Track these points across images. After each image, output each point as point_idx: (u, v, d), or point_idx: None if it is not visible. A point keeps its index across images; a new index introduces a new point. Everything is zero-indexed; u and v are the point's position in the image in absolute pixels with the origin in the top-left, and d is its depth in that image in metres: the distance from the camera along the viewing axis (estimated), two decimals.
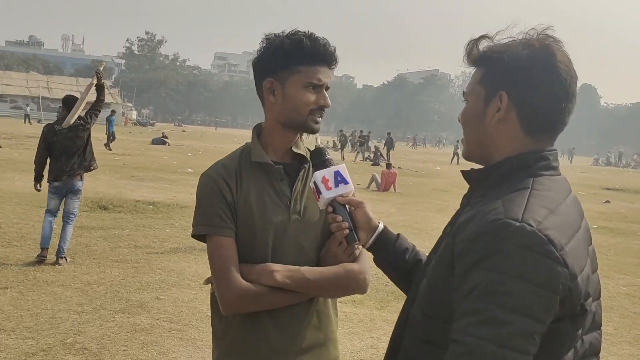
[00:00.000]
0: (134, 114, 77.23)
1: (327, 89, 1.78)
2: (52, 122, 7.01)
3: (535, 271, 1.12)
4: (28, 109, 49.62)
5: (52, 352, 4.30)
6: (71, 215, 6.83)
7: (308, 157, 1.83)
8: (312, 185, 1.67)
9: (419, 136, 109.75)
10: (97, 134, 6.92)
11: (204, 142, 38.18)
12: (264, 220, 1.73)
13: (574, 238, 1.21)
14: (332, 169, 1.66)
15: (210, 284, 1.82)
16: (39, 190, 6.92)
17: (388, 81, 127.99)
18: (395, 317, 1.48)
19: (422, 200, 15.33)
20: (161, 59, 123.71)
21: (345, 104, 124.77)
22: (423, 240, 9.25)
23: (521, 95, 1.30)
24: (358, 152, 32.59)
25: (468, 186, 1.44)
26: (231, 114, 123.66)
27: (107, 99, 69.59)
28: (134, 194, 11.85)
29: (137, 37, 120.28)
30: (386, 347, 1.47)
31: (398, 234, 1.69)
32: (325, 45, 1.74)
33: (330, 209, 1.63)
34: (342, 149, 33.51)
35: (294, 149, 1.83)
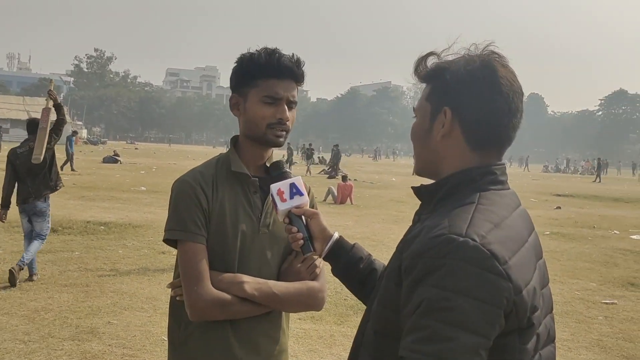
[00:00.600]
0: (84, 133, 75.49)
1: (291, 104, 1.81)
2: (15, 147, 7.04)
3: (479, 286, 1.11)
4: None
5: None
6: (42, 236, 6.90)
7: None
8: (270, 198, 1.72)
9: (372, 148, 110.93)
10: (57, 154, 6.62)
11: (158, 160, 37.58)
12: (235, 229, 1.77)
13: (518, 252, 1.20)
14: (288, 181, 1.69)
15: (172, 289, 1.82)
16: (3, 221, 6.90)
17: (342, 94, 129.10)
18: (355, 332, 1.45)
19: (378, 212, 15.38)
20: (111, 76, 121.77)
21: (300, 117, 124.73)
22: (381, 252, 9.25)
23: (463, 110, 1.31)
24: (308, 165, 32.32)
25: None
26: (185, 130, 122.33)
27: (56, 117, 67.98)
28: (85, 215, 11.50)
29: (86, 55, 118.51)
30: None
31: (354, 244, 1.70)
32: (282, 58, 1.78)
33: (287, 220, 1.67)
34: (289, 162, 33.24)
35: (268, 164, 1.87)
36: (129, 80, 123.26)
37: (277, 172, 1.77)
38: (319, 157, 42.19)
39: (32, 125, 6.92)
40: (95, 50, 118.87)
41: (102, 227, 10.30)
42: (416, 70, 1.40)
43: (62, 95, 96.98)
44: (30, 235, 6.88)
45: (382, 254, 9.07)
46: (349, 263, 1.65)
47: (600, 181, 40.40)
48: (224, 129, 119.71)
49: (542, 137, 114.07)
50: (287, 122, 1.80)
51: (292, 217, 1.66)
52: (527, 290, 1.18)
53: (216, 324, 1.75)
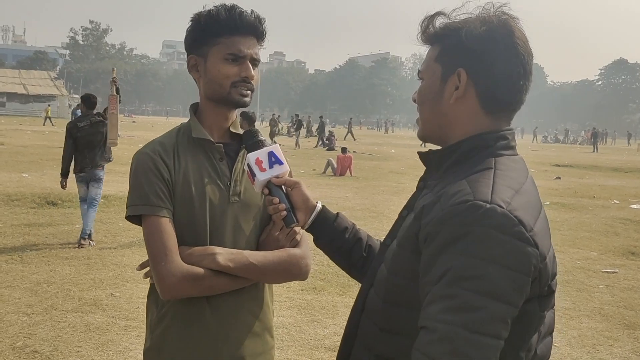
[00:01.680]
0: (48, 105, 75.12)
1: (255, 62, 1.71)
2: (74, 120, 7.71)
3: (508, 253, 1.08)
4: None
5: (1, 358, 4.08)
6: (94, 201, 7.55)
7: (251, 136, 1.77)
8: (245, 168, 1.63)
9: (371, 120, 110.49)
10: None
11: (156, 133, 37.29)
12: (202, 200, 1.66)
13: (539, 218, 1.18)
14: (266, 149, 1.61)
15: (145, 271, 1.74)
16: (64, 187, 7.70)
17: (340, 65, 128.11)
18: None
19: (378, 183, 15.36)
20: (107, 48, 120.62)
21: (298, 89, 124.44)
22: (381, 223, 9.25)
23: (480, 72, 1.26)
24: (297, 138, 30.84)
25: (423, 168, 1.40)
26: (183, 102, 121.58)
27: (52, 90, 67.23)
28: None
29: (81, 27, 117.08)
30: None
31: (337, 213, 1.64)
32: (244, 14, 1.67)
33: (266, 191, 1.59)
34: (273, 134, 32.56)
35: (232, 129, 1.78)
36: (125, 52, 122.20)
37: (252, 140, 1.66)
38: (329, 132, 42.00)
39: (89, 101, 7.66)
40: (91, 22, 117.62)
41: (102, 200, 10.24)
42: (424, 31, 1.34)
43: (57, 69, 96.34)
44: (86, 199, 7.50)
45: (382, 225, 9.09)
46: (333, 233, 1.59)
47: (596, 151, 40.40)
48: None
49: (541, 107, 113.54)
50: (252, 81, 1.70)
51: (271, 187, 1.58)
52: (549, 257, 1.17)
53: (192, 301, 1.66)
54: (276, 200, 1.56)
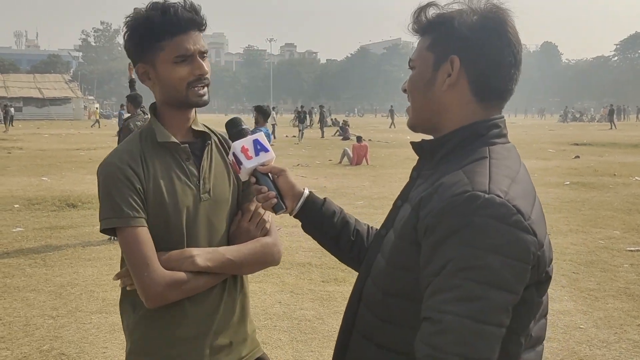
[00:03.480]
0: (96, 107, 75.74)
1: (203, 54, 1.66)
2: (130, 120, 7.87)
3: (508, 243, 1.10)
4: (12, 110, 47.51)
5: None
6: None
7: (210, 133, 1.79)
8: (231, 157, 1.64)
9: (385, 107, 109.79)
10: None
11: None
12: (176, 203, 1.66)
13: (535, 206, 1.20)
14: (250, 137, 1.62)
15: (120, 280, 1.72)
16: None
17: (351, 54, 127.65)
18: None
19: (394, 171, 15.29)
20: (119, 48, 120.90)
21: (310, 80, 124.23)
22: None
23: (472, 59, 1.27)
24: (301, 129, 29.53)
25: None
26: None
27: (67, 93, 67.78)
28: None
29: (93, 28, 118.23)
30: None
31: (324, 198, 1.65)
32: (179, 11, 1.60)
33: (253, 179, 1.61)
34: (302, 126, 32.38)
35: (194, 127, 1.76)
36: None
37: (236, 129, 1.66)
38: (331, 120, 41.88)
39: (136, 100, 7.94)
40: (102, 23, 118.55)
41: None
42: (416, 21, 1.35)
43: (71, 71, 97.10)
44: None
45: None
46: (321, 218, 1.61)
47: (614, 128, 39.92)
48: (234, 96, 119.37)
49: (557, 86, 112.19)
50: (207, 75, 1.67)
51: (258, 175, 1.60)
52: (545, 243, 1.19)
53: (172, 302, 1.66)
54: (264, 189, 1.58)
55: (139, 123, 7.74)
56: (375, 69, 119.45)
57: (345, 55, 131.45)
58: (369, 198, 10.83)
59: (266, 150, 1.61)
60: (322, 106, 34.51)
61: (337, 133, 31.20)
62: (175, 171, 1.68)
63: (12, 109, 46.63)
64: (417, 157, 1.42)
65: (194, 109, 1.75)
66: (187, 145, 1.72)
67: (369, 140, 23.27)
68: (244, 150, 1.59)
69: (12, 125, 40.08)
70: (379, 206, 9.80)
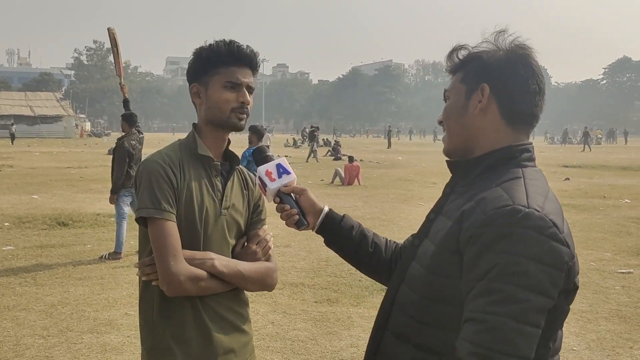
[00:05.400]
0: (87, 125, 75.61)
1: (250, 89, 1.92)
2: (126, 138, 7.85)
3: (546, 252, 1.21)
4: (13, 127, 47.54)
5: None
6: (126, 217, 7.83)
7: (239, 160, 2.03)
8: (257, 181, 1.83)
9: (376, 127, 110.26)
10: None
11: None
12: (201, 210, 1.86)
13: (564, 222, 1.32)
14: (274, 162, 1.80)
15: (141, 270, 1.86)
16: (113, 204, 7.87)
17: (343, 75, 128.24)
18: (373, 312, 1.55)
19: (386, 191, 15.33)
20: (112, 67, 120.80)
21: (303, 100, 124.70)
22: (392, 232, 9.23)
23: (500, 86, 1.42)
24: (313, 150, 29.11)
25: (431, 175, 1.53)
26: (188, 118, 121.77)
27: (59, 111, 67.48)
28: (94, 207, 11.52)
29: (85, 47, 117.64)
30: (366, 343, 1.55)
31: (344, 215, 1.80)
32: (240, 47, 1.90)
33: (277, 199, 1.77)
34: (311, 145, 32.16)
35: (227, 151, 2.00)
36: (129, 70, 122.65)
37: (262, 155, 1.85)
38: (323, 140, 42.01)
39: (131, 119, 8.01)
40: (95, 42, 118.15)
41: (112, 219, 10.28)
42: (450, 61, 1.52)
43: (63, 89, 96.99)
44: (125, 216, 7.74)
45: (393, 234, 9.05)
46: (341, 233, 1.76)
47: (589, 150, 41.05)
48: None
49: (547, 108, 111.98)
50: (248, 106, 1.90)
51: (282, 195, 1.76)
52: (575, 256, 1.31)
53: (187, 303, 1.84)
54: (287, 207, 1.74)
55: (133, 142, 7.79)
56: (366, 89, 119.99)
57: (337, 76, 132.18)
58: (361, 218, 10.84)
59: (288, 173, 1.78)
60: (312, 126, 34.59)
61: (329, 153, 31.27)
62: (205, 182, 1.90)
63: (13, 127, 46.72)
64: (422, 179, 1.50)
65: (229, 134, 1.97)
66: (219, 163, 1.94)
67: (361, 160, 23.34)
68: (267, 173, 1.77)
69: (12, 144, 40.08)
70: (372, 226, 9.77)
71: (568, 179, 18.89)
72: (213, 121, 1.91)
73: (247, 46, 1.93)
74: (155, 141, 31.08)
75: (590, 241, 8.91)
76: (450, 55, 1.51)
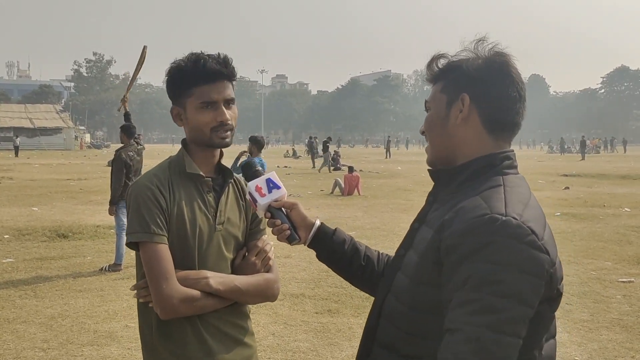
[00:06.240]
0: (87, 137, 75.74)
1: (229, 102, 1.86)
2: (124, 149, 7.86)
3: (524, 260, 1.20)
4: (17, 140, 47.63)
5: None
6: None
7: (233, 174, 2.00)
8: (248, 196, 1.81)
9: (375, 137, 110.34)
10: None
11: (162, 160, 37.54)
12: (193, 228, 1.83)
13: (546, 228, 1.31)
14: (264, 177, 1.77)
15: (137, 293, 1.86)
16: (114, 215, 7.86)
17: (342, 85, 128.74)
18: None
19: (386, 201, 15.33)
20: (111, 79, 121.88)
21: (301, 110, 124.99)
22: (392, 241, 9.22)
23: (481, 95, 1.41)
24: (327, 162, 28.84)
25: (430, 185, 1.54)
26: None
27: (59, 123, 67.73)
28: (94, 219, 11.51)
29: (85, 59, 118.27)
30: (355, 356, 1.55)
31: (335, 228, 1.78)
32: (207, 63, 1.81)
33: (268, 215, 1.75)
34: (312, 156, 32.11)
35: (219, 165, 1.97)
36: (128, 82, 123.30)
37: (251, 170, 1.81)
38: (334, 150, 42.10)
39: (129, 131, 7.97)
40: (94, 54, 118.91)
41: (112, 231, 10.27)
42: (429, 70, 1.51)
43: (63, 101, 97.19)
44: (125, 227, 7.74)
45: (392, 243, 9.03)
46: (333, 246, 1.73)
47: (584, 159, 41.44)
48: None
49: (545, 118, 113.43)
50: (230, 122, 1.85)
51: (272, 210, 1.74)
52: (557, 262, 1.30)
53: (186, 321, 1.81)
54: (278, 222, 1.72)
55: (131, 153, 7.80)
56: (365, 100, 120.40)
57: (336, 87, 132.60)
58: (361, 228, 10.84)
59: (278, 187, 1.75)
60: (311, 136, 34.68)
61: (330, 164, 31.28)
62: (197, 200, 1.87)
63: (17, 140, 46.83)
64: (423, 189, 1.51)
65: (219, 150, 1.94)
66: (210, 179, 1.91)
67: (360, 170, 23.35)
68: (257, 189, 1.74)
69: (17, 156, 40.15)
70: (372, 236, 9.81)
71: (568, 188, 18.90)
72: (196, 142, 1.89)
73: (219, 55, 1.85)
74: (155, 152, 31.20)
75: (590, 250, 8.91)
76: (429, 64, 1.50)
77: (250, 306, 2.06)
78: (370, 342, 1.48)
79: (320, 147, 32.81)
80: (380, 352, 1.45)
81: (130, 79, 8.99)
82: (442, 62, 1.49)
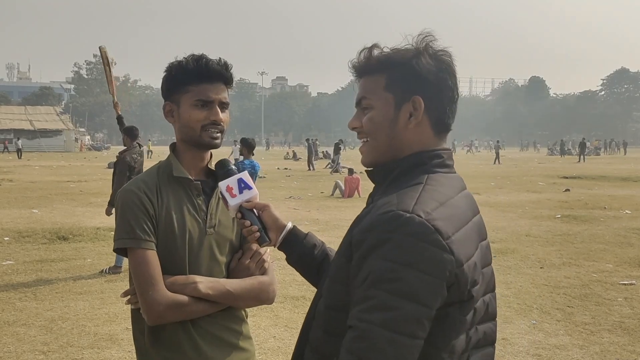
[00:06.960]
0: (87, 139, 75.76)
1: (223, 105, 1.87)
2: (127, 152, 7.79)
3: (423, 259, 1.18)
4: (20, 143, 47.65)
5: None
6: None
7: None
8: (219, 195, 1.80)
9: None
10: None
11: None
12: (183, 233, 1.82)
13: (462, 229, 1.27)
14: (235, 177, 1.74)
15: (128, 299, 1.86)
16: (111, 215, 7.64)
17: (342, 87, 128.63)
18: None
19: None
20: None
21: (302, 112, 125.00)
22: None
23: (433, 98, 1.38)
24: (338, 164, 28.92)
25: None
26: None
27: (59, 125, 67.87)
28: (94, 222, 11.50)
29: (85, 61, 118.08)
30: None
31: (307, 232, 1.75)
32: (210, 63, 1.84)
33: (239, 215, 1.72)
34: (309, 158, 31.90)
35: (208, 167, 1.95)
36: (129, 84, 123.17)
37: (223, 170, 1.79)
38: (322, 152, 42.04)
39: (132, 133, 8.01)
40: (94, 56, 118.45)
41: (112, 233, 10.26)
42: (367, 61, 1.42)
43: (63, 103, 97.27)
44: None
45: None
46: (303, 250, 1.70)
47: (583, 161, 41.49)
48: (230, 127, 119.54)
49: (545, 120, 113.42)
50: (222, 123, 1.86)
51: (243, 211, 1.71)
52: (468, 264, 1.25)
53: (178, 326, 1.80)
54: (248, 223, 1.69)
55: (134, 155, 7.80)
56: None
57: (336, 89, 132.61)
58: None
59: (249, 188, 1.72)
60: (309, 139, 34.61)
61: (329, 165, 31.26)
62: (186, 204, 1.85)
63: (19, 142, 46.87)
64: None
65: (209, 152, 1.93)
66: (199, 182, 1.89)
67: (361, 172, 23.33)
68: (228, 189, 1.71)
69: (20, 158, 40.18)
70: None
71: (568, 190, 18.88)
72: (186, 140, 1.88)
73: (220, 59, 1.88)
74: (155, 154, 31.20)
75: (591, 252, 8.89)
76: (364, 53, 1.43)
77: (250, 309, 2.04)
78: (303, 346, 1.46)
79: (320, 149, 32.96)
80: (309, 355, 1.44)
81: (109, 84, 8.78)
82: (379, 53, 1.41)
